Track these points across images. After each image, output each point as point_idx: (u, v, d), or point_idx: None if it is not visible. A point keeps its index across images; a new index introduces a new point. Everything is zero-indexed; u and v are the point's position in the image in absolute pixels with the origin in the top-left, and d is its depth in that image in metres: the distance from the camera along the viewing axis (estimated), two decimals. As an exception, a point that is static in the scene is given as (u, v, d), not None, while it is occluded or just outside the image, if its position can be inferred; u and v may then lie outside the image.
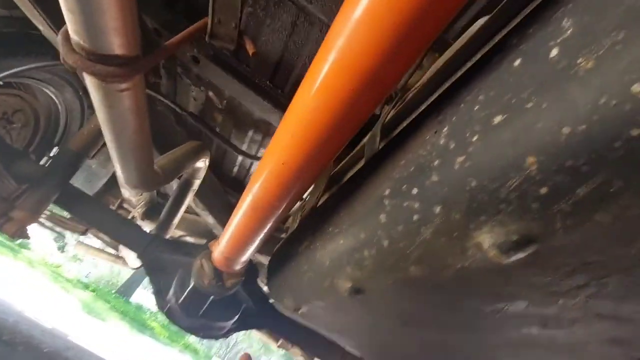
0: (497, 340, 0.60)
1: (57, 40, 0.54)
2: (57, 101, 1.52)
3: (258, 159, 1.55)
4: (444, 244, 0.43)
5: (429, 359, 0.86)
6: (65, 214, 2.09)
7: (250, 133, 1.54)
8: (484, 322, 0.55)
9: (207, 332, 1.41)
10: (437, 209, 0.41)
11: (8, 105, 1.35)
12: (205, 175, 1.68)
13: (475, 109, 0.37)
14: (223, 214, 1.90)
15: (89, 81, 0.60)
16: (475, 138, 0.37)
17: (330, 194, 0.79)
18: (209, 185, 1.81)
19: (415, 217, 0.45)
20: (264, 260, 2.15)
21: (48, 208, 1.72)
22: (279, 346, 2.87)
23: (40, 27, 1.05)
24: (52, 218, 1.90)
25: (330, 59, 0.40)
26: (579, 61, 0.28)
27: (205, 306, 1.25)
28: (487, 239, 0.37)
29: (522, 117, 0.32)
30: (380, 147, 0.63)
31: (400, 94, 0.80)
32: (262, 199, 0.64)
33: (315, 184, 1.14)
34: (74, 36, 0.52)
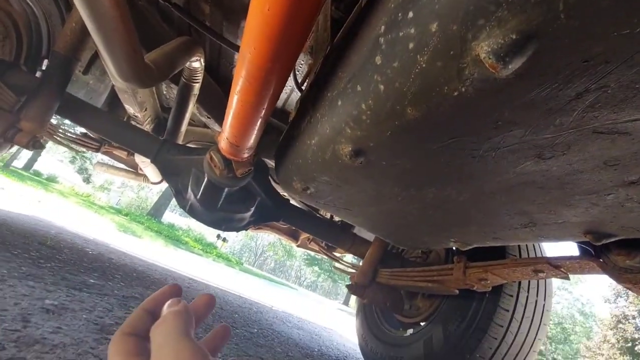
0: (493, 186, 0.62)
1: None
2: (32, 7, 1.40)
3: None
4: (440, 70, 0.41)
5: (430, 222, 0.92)
6: (76, 131, 2.13)
7: (242, 24, 1.42)
8: (480, 166, 0.57)
9: (228, 224, 1.54)
10: (434, 26, 0.38)
11: (-18, 13, 1.26)
12: (203, 80, 1.62)
13: None
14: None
15: None
16: None
17: (327, 62, 0.76)
18: (209, 91, 1.77)
19: (411, 45, 0.42)
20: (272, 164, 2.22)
21: (61, 126, 1.74)
22: (298, 245, 3.15)
23: None
24: (65, 136, 1.94)
25: None
26: None
27: (222, 199, 1.33)
28: (484, 47, 0.35)
29: None
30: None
31: None
32: (256, 65, 0.62)
33: (313, 61, 1.09)
34: None
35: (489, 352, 1.19)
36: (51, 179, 14.86)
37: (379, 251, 1.67)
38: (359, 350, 2.37)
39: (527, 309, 1.30)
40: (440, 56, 0.40)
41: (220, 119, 1.86)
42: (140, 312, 0.30)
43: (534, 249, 1.46)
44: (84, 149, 2.06)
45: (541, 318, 1.32)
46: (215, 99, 1.83)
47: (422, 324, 1.71)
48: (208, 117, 1.88)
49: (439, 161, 0.60)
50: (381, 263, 1.74)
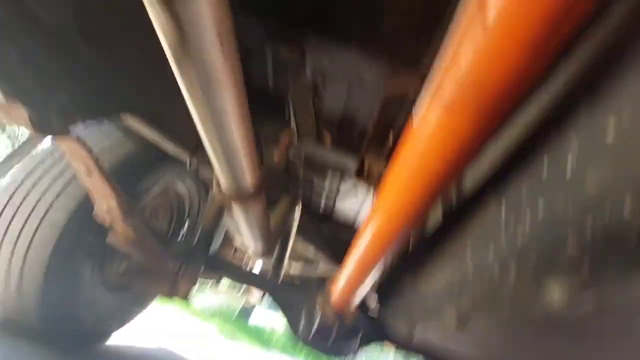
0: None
1: (213, 185, 0.81)
2: (182, 188, 1.96)
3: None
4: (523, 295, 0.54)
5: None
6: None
7: (329, 172, 1.77)
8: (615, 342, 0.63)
9: (339, 351, 1.66)
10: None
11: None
12: (300, 217, 1.95)
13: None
14: (323, 245, 2.16)
15: (232, 204, 0.86)
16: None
17: (418, 245, 0.92)
18: (306, 224, 2.09)
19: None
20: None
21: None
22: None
23: (169, 149, 1.42)
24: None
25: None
26: None
27: (332, 338, 1.49)
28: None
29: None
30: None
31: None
32: (369, 256, 0.82)
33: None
34: (222, 184, 0.79)
35: None
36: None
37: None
38: None
39: None
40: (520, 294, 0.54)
41: (317, 245, 2.14)
42: None
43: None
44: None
45: None
46: (311, 229, 2.14)
47: None
48: (306, 246, 2.17)
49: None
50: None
